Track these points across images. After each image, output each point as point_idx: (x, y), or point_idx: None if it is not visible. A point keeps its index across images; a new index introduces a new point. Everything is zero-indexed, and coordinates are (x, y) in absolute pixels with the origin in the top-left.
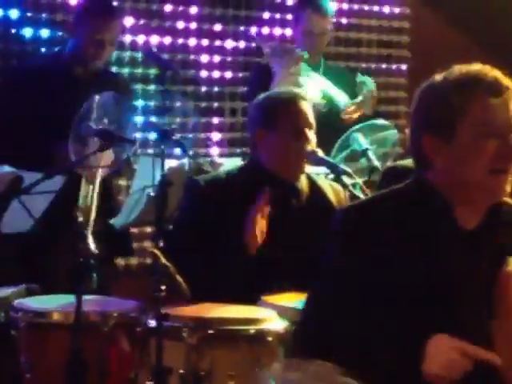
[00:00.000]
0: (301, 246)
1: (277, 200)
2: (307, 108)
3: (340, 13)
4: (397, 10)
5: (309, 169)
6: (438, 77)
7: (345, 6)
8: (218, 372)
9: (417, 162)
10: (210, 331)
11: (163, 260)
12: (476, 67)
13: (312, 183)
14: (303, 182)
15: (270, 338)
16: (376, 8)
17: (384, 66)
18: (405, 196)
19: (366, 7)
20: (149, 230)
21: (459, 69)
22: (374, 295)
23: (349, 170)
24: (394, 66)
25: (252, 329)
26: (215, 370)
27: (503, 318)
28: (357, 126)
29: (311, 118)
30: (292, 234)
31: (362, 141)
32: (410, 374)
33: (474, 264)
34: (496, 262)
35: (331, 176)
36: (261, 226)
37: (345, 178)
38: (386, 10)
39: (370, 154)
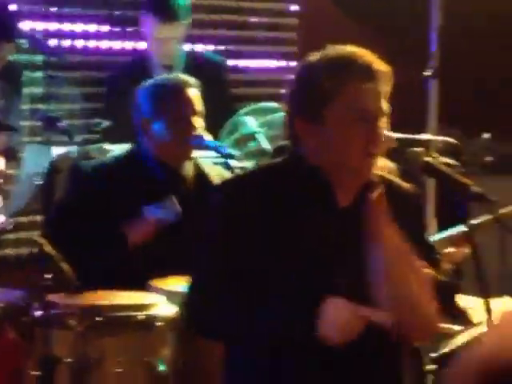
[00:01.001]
0: (187, 230)
1: (163, 186)
2: (194, 95)
3: None
4: None
5: (196, 153)
6: (312, 58)
7: None
8: (107, 359)
9: (291, 141)
10: (98, 318)
11: (47, 248)
12: (350, 50)
13: (198, 169)
14: (189, 169)
15: (159, 324)
16: None
17: (271, 48)
18: (281, 170)
19: None
20: (38, 219)
21: (333, 51)
22: (254, 267)
23: (237, 153)
24: (282, 49)
25: (140, 315)
26: (104, 358)
27: (375, 245)
28: (245, 110)
29: (198, 105)
30: (179, 219)
31: (250, 124)
32: (300, 337)
33: (349, 238)
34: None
35: (221, 160)
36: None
37: (233, 162)
38: None
39: (260, 136)
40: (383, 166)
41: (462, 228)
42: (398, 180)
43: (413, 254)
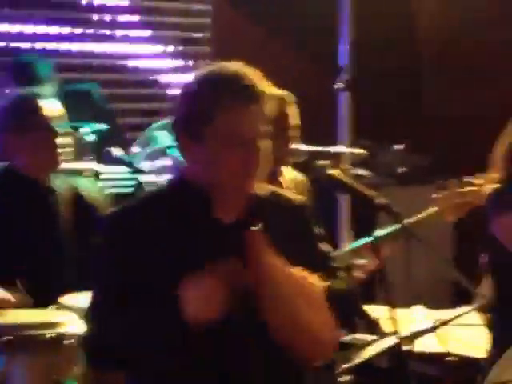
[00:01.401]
0: (64, 244)
1: (31, 200)
2: (46, 105)
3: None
4: (198, 7)
5: (105, 168)
6: (200, 74)
7: (145, 4)
8: (15, 378)
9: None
10: (6, 337)
11: None
12: (235, 70)
13: (71, 183)
14: (60, 182)
15: (67, 342)
16: (178, 5)
17: (183, 62)
18: (168, 192)
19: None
20: None
21: (218, 70)
22: (140, 294)
23: (149, 167)
24: (192, 63)
25: (48, 333)
26: (12, 377)
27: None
28: (157, 124)
29: (55, 112)
30: (52, 233)
31: (163, 139)
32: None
33: (235, 254)
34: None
35: (130, 175)
36: None
37: (144, 177)
38: (188, 6)
39: (173, 151)
40: (292, 178)
41: (369, 239)
42: (287, 193)
43: (301, 276)
